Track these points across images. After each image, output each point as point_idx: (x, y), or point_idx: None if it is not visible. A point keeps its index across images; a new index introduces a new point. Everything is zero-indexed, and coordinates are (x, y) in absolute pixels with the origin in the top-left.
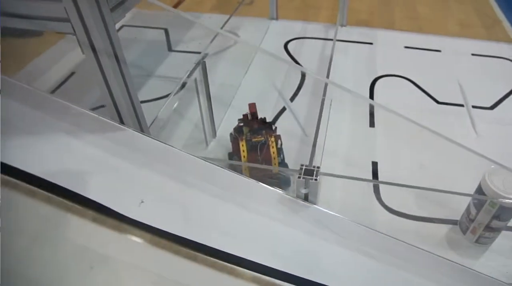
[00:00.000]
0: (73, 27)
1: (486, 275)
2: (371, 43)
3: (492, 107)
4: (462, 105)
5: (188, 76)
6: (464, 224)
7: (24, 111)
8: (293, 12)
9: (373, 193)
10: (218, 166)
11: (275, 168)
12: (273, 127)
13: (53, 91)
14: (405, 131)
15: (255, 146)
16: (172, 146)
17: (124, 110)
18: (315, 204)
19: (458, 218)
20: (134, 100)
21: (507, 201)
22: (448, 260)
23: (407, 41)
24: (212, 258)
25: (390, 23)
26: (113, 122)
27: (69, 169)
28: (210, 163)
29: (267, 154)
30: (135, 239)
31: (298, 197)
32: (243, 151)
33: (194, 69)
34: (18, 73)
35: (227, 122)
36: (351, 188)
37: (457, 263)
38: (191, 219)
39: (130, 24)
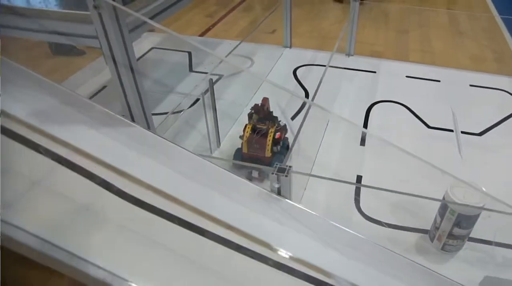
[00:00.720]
0: (100, 43)
1: (445, 277)
2: (374, 72)
3: (481, 134)
4: (452, 131)
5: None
6: (432, 232)
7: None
8: (309, 41)
9: (353, 202)
10: (210, 162)
11: (264, 167)
12: (279, 122)
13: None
14: (392, 151)
15: (256, 131)
16: (171, 141)
17: (135, 110)
18: (287, 198)
19: (429, 228)
20: (144, 103)
21: (460, 206)
22: (409, 259)
23: (409, 71)
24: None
25: (404, 55)
26: (125, 119)
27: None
28: (204, 159)
29: (263, 140)
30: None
31: (272, 191)
32: (247, 132)
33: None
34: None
35: (232, 136)
36: (334, 199)
37: (417, 263)
38: (182, 200)
39: (159, 46)
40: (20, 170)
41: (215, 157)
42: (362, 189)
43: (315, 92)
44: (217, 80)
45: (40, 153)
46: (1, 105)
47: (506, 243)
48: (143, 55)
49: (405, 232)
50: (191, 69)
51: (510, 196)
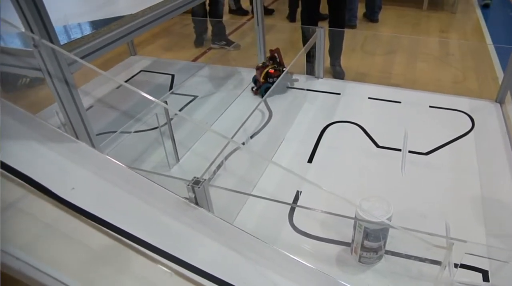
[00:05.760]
0: (43, 74)
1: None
2: (339, 94)
3: (427, 153)
4: (399, 150)
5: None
6: (351, 245)
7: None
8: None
9: (287, 217)
10: (139, 173)
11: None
12: (281, 67)
13: None
14: (334, 168)
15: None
16: (101, 152)
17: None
18: (203, 207)
19: None
20: (86, 123)
21: (362, 218)
22: (310, 266)
23: (372, 92)
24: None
25: (386, 78)
26: (69, 136)
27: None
28: (134, 171)
29: (262, 69)
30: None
31: (189, 200)
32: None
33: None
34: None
35: (193, 152)
36: (270, 213)
37: (318, 270)
38: (107, 205)
39: (147, 69)
40: None
41: (146, 170)
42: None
43: (269, 114)
44: (191, 101)
45: None
46: None
47: (422, 257)
48: (132, 77)
49: (330, 244)
50: (172, 91)
51: (434, 212)
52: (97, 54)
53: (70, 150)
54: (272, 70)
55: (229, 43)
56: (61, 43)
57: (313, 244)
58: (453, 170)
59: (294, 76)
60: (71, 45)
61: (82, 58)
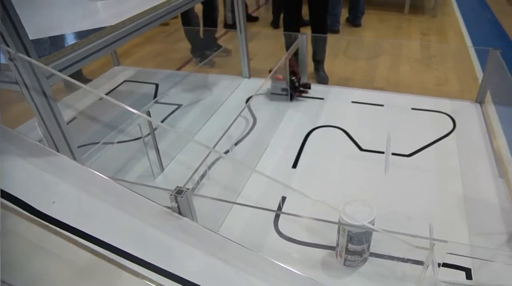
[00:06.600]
0: (20, 88)
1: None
2: (322, 99)
3: (410, 155)
4: (383, 153)
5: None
6: (336, 249)
7: None
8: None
9: (272, 223)
10: (121, 184)
11: None
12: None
13: None
14: (318, 173)
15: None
16: (85, 166)
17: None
18: (186, 216)
19: None
20: (66, 135)
21: (346, 223)
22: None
23: (356, 96)
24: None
25: (369, 82)
26: (49, 149)
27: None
28: (116, 182)
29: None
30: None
31: (173, 209)
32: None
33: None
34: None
35: (178, 161)
36: (256, 219)
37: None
38: (88, 217)
39: (131, 79)
40: None
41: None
42: (282, 210)
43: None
44: (175, 110)
45: None
46: None
47: (405, 258)
48: (115, 87)
49: (316, 248)
50: (156, 101)
51: (418, 213)
52: (77, 66)
53: (50, 163)
54: (280, 76)
55: (218, 48)
56: (39, 56)
57: (299, 249)
58: (435, 170)
59: (279, 83)
60: (49, 58)
61: (61, 70)
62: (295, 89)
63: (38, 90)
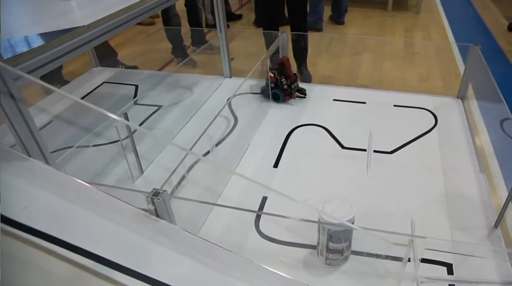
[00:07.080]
0: None
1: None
2: (304, 97)
3: (392, 152)
4: (365, 150)
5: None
6: (317, 248)
7: None
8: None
9: (253, 224)
10: (96, 188)
11: None
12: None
13: None
14: (300, 172)
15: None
16: (59, 171)
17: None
18: (164, 219)
19: None
20: (38, 139)
21: (325, 222)
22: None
23: (338, 94)
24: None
25: (352, 79)
26: (20, 154)
27: None
28: (91, 186)
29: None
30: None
31: (149, 212)
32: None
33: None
34: None
35: (157, 163)
36: (236, 220)
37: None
38: (62, 223)
39: (110, 81)
40: None
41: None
42: (264, 210)
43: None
44: (155, 111)
45: None
46: None
47: (386, 255)
48: (94, 89)
49: (297, 248)
50: (135, 102)
51: (399, 210)
52: (48, 67)
53: (21, 168)
54: (272, 75)
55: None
56: (5, 57)
57: (281, 249)
58: (417, 167)
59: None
60: (17, 59)
61: (30, 72)
62: (285, 92)
63: (6, 93)
